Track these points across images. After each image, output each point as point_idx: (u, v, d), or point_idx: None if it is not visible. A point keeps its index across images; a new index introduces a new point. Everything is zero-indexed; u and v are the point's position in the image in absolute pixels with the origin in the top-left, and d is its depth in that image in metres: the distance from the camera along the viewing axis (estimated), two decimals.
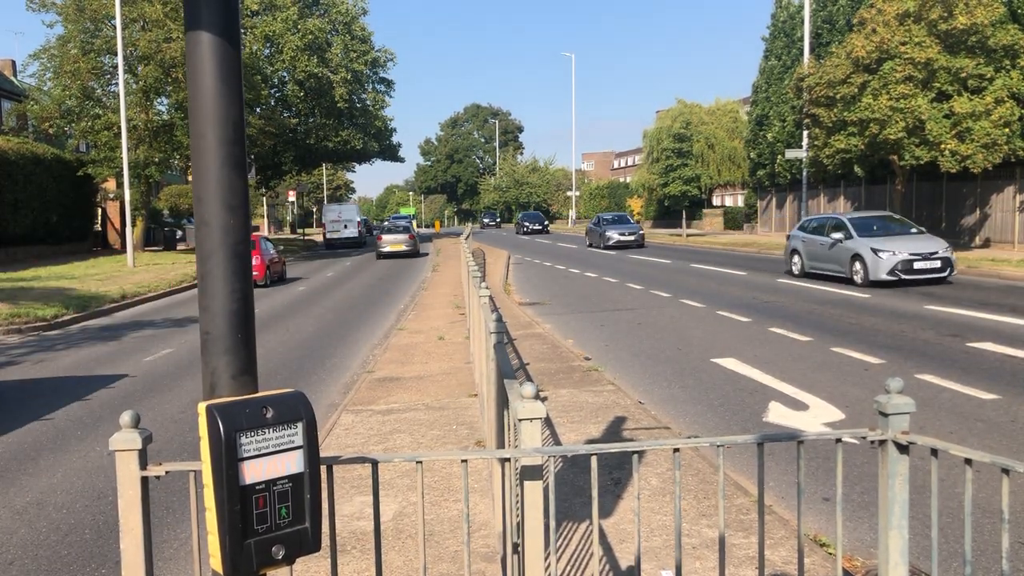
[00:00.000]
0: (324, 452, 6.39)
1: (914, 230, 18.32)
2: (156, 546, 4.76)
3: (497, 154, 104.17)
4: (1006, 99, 22.38)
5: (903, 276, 16.39)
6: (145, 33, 30.94)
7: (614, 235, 34.66)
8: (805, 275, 19.41)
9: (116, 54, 29.21)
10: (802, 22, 33.76)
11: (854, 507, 5.12)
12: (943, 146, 22.72)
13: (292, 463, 1.80)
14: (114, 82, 33.03)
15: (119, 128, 28.92)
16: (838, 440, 2.52)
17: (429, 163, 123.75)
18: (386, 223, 44.32)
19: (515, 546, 2.74)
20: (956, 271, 17.25)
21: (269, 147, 41.78)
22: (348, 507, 5.20)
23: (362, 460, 2.38)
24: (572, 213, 73.44)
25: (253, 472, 1.73)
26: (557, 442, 6.49)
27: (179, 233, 41.05)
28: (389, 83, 52.30)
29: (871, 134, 23.59)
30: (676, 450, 2.50)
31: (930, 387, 8.07)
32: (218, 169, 1.76)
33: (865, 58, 23.55)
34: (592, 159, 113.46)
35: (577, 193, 76.31)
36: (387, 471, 5.81)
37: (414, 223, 50.09)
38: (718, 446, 2.48)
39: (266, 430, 1.75)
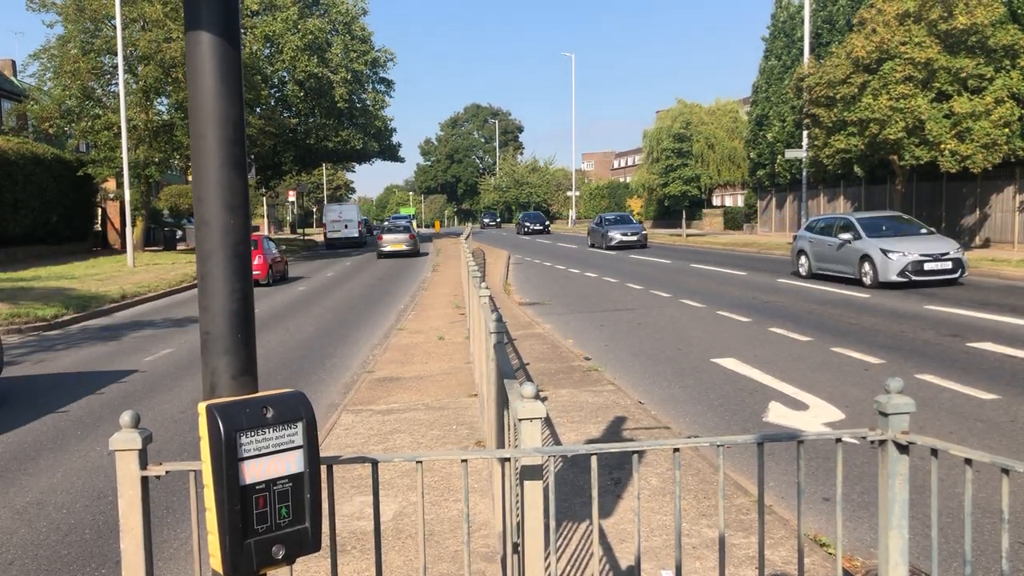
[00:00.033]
0: (324, 452, 6.40)
1: (924, 230, 18.02)
2: (156, 546, 4.76)
3: (497, 154, 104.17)
4: (1006, 99, 22.39)
5: (913, 277, 16.09)
6: (145, 33, 30.95)
7: (616, 235, 34.36)
8: (812, 276, 19.08)
9: (116, 54, 29.22)
10: (802, 22, 33.77)
11: (854, 507, 5.12)
12: (943, 146, 22.73)
13: (292, 463, 1.80)
14: (114, 82, 33.04)
15: (119, 128, 28.92)
16: (838, 440, 2.52)
17: (429, 163, 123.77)
18: (386, 223, 44.37)
19: (515, 546, 2.74)
20: (967, 272, 16.93)
21: (269, 147, 41.79)
22: (348, 507, 5.20)
23: (362, 460, 2.39)
24: (572, 213, 73.46)
25: (253, 472, 1.73)
26: (557, 442, 6.49)
27: (179, 233, 41.05)
28: (389, 83, 52.34)
29: (871, 134, 23.60)
30: (676, 450, 2.50)
31: (930, 387, 8.07)
32: (218, 169, 1.77)
33: (865, 58, 23.56)
34: (592, 159, 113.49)
35: (577, 193, 76.33)
36: (387, 471, 5.81)
37: (414, 223, 50.12)
38: (718, 446, 2.48)
39: (266, 430, 1.76)
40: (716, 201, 61.14)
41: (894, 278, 16.18)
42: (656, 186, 55.55)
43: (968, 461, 2.23)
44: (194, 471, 2.19)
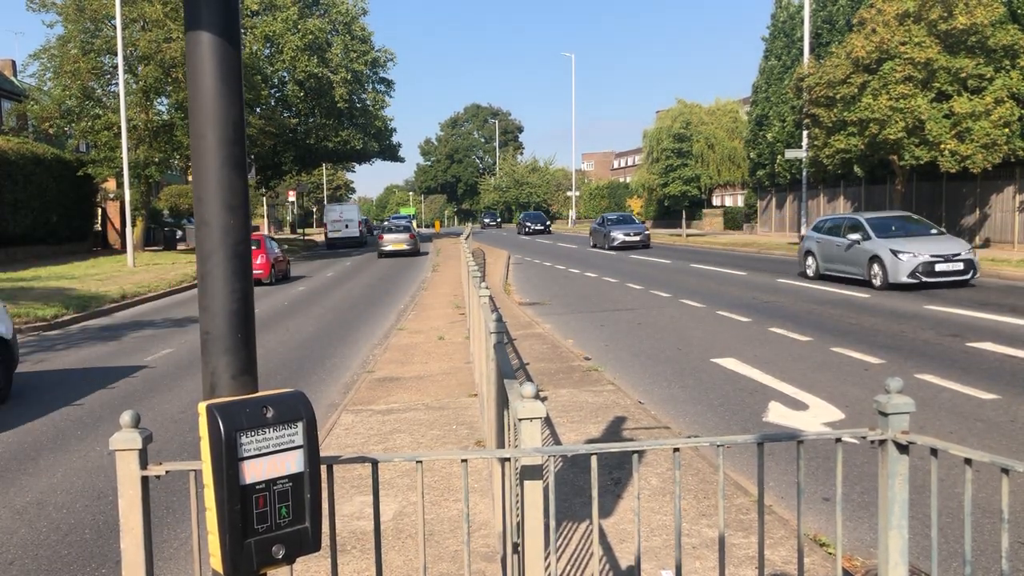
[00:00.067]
0: (324, 452, 6.39)
1: (934, 231, 17.70)
2: (156, 546, 4.76)
3: (497, 154, 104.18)
4: (1006, 99, 22.40)
5: (924, 279, 15.80)
6: (145, 33, 30.95)
7: (619, 235, 34.09)
8: (820, 277, 18.72)
9: (116, 54, 29.22)
10: (802, 22, 33.76)
11: (854, 507, 5.12)
12: (943, 146, 22.74)
13: (292, 463, 1.80)
14: (114, 82, 33.04)
15: (119, 128, 28.93)
16: (838, 440, 2.52)
17: (429, 163, 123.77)
18: (386, 223, 44.44)
19: (515, 546, 2.74)
20: (979, 273, 16.65)
21: (269, 147, 41.79)
22: (348, 507, 5.20)
23: (362, 460, 2.39)
24: (572, 213, 73.48)
25: (253, 472, 1.73)
26: (557, 442, 6.49)
27: (179, 233, 41.07)
28: (389, 83, 52.34)
29: (871, 134, 23.61)
30: (676, 450, 2.50)
31: (930, 387, 8.07)
32: (218, 169, 1.77)
33: (865, 58, 23.56)
34: (592, 159, 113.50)
35: (577, 193, 76.33)
36: (387, 471, 5.81)
37: (414, 223, 50.18)
38: (718, 446, 2.48)
39: (266, 430, 1.76)
40: (716, 201, 61.15)
41: (904, 279, 15.89)
42: (656, 186, 55.55)
43: (968, 461, 2.23)
44: (194, 471, 2.19)
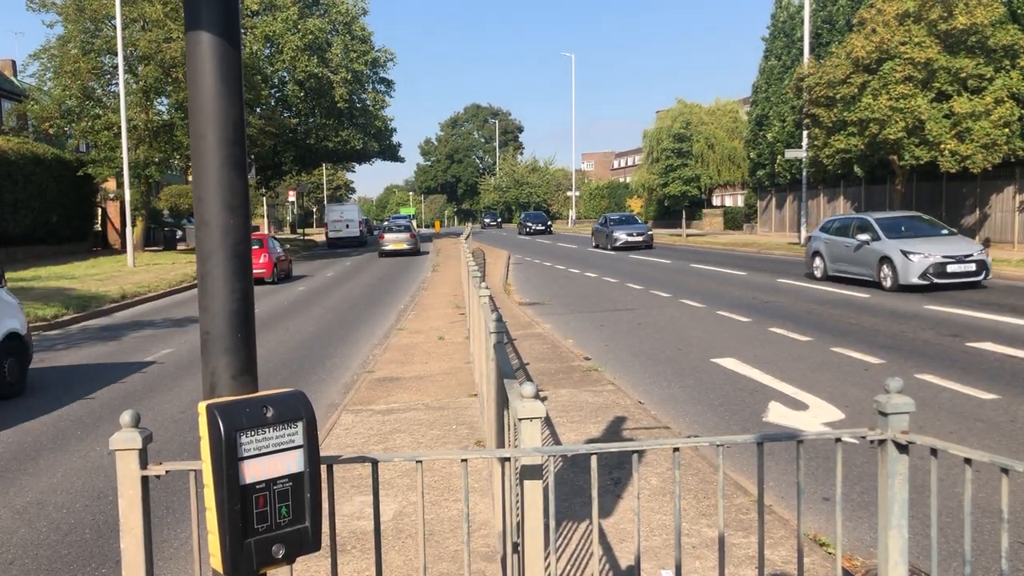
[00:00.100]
0: (324, 452, 6.38)
1: (945, 231, 17.39)
2: (156, 545, 4.76)
3: (497, 154, 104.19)
4: (1006, 99, 22.40)
5: (936, 280, 15.50)
6: (145, 33, 30.95)
7: (622, 236, 33.73)
8: (828, 278, 18.40)
9: (116, 54, 29.22)
10: (802, 22, 33.76)
11: (854, 507, 5.12)
12: (943, 146, 22.74)
13: (292, 462, 1.80)
14: (114, 82, 33.05)
15: (119, 128, 28.93)
16: (838, 440, 2.52)
17: (429, 163, 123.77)
18: (386, 223, 44.51)
19: (515, 546, 2.74)
20: (992, 274, 16.34)
21: (269, 147, 41.79)
22: (348, 507, 5.20)
23: (362, 460, 2.39)
24: (572, 213, 73.48)
25: (253, 471, 1.73)
26: (557, 442, 6.49)
27: (179, 233, 41.08)
28: (389, 83, 52.33)
29: (871, 134, 23.61)
30: (676, 449, 2.50)
31: (930, 387, 8.07)
32: (218, 169, 1.77)
33: (865, 58, 23.57)
34: (592, 159, 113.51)
35: (577, 193, 76.34)
36: (387, 471, 5.81)
37: (414, 223, 50.23)
38: (718, 446, 2.48)
39: (266, 429, 1.76)
40: (716, 201, 61.16)
41: (915, 281, 15.60)
42: (656, 186, 55.56)
43: (968, 461, 2.24)
44: (194, 471, 2.19)
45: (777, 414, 7.39)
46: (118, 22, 27.47)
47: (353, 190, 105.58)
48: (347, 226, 46.24)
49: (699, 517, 4.84)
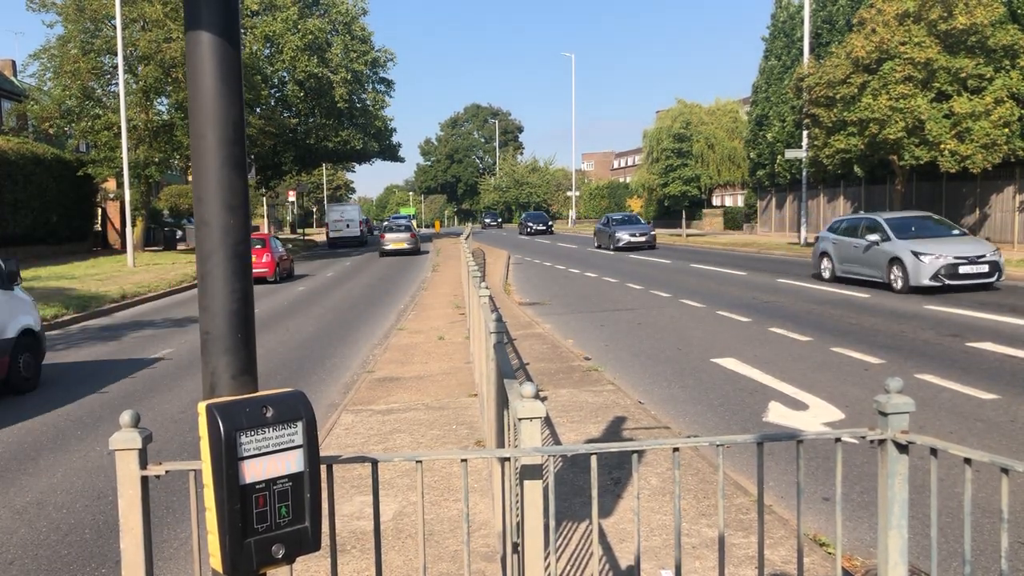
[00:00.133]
0: (324, 452, 6.37)
1: (956, 231, 17.05)
2: (156, 545, 4.76)
3: (497, 154, 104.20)
4: (1006, 99, 22.41)
5: (948, 281, 15.17)
6: (145, 33, 30.95)
7: (625, 236, 33.34)
8: (836, 280, 18.08)
9: (116, 54, 29.23)
10: (802, 22, 33.77)
11: (854, 507, 5.12)
12: (943, 146, 22.74)
13: (292, 462, 1.80)
14: (114, 82, 33.05)
15: (119, 128, 28.94)
16: (837, 440, 2.52)
17: (429, 163, 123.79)
18: (386, 223, 44.58)
19: (515, 545, 2.74)
20: (1005, 276, 15.96)
21: (269, 147, 41.79)
22: (348, 507, 5.20)
23: (362, 459, 2.39)
24: (572, 213, 73.48)
25: (253, 471, 1.73)
26: (557, 442, 6.49)
27: (179, 233, 41.08)
28: (389, 83, 52.31)
29: (871, 134, 23.61)
30: (676, 449, 2.50)
31: (930, 387, 8.07)
32: (218, 169, 1.77)
33: (865, 58, 23.57)
34: (592, 159, 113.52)
35: (577, 193, 76.34)
36: (387, 471, 5.81)
37: (414, 223, 50.28)
38: (718, 446, 2.48)
39: (266, 429, 1.76)
40: (716, 201, 61.17)
41: (927, 282, 15.26)
42: (656, 186, 55.57)
43: (967, 461, 2.24)
44: (194, 471, 2.19)
45: (777, 414, 7.39)
46: (118, 22, 27.47)
47: (353, 190, 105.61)
48: (347, 226, 46.41)
49: (699, 517, 4.84)
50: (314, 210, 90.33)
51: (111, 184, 36.04)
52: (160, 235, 40.18)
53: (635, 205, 64.87)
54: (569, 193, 76.17)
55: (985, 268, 15.40)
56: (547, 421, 7.01)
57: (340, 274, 27.43)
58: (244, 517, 1.72)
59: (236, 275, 1.79)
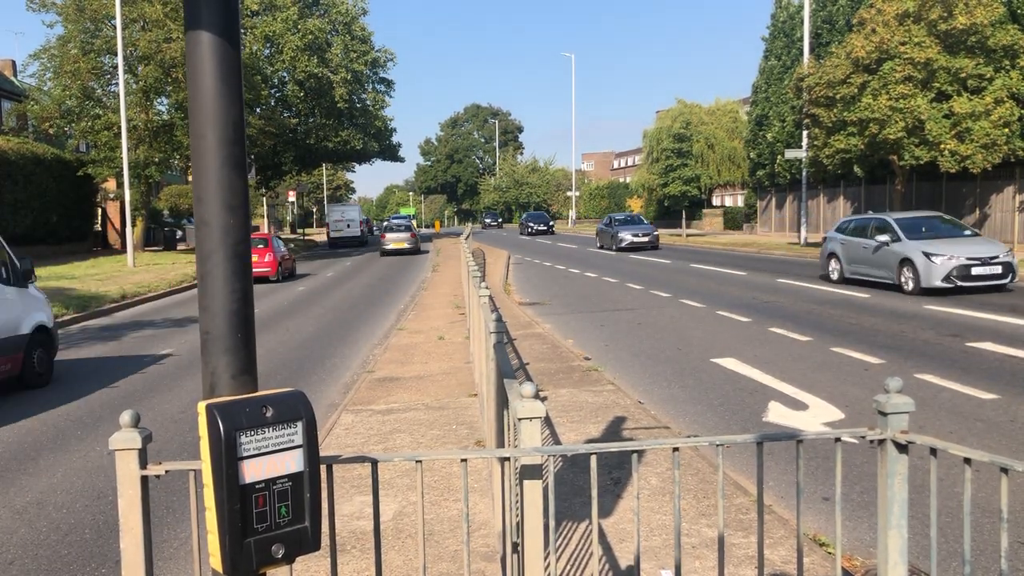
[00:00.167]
0: (324, 451, 6.36)
1: (968, 232, 16.78)
2: (156, 545, 4.76)
3: (497, 154, 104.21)
4: (1006, 99, 22.42)
5: (960, 283, 14.89)
6: (145, 33, 30.96)
7: (627, 236, 32.99)
8: (845, 281, 17.73)
9: (116, 54, 29.23)
10: (802, 22, 33.78)
11: (853, 507, 5.12)
12: (943, 146, 22.75)
13: (292, 462, 1.80)
14: (114, 82, 33.05)
15: (119, 128, 28.94)
16: (837, 439, 2.52)
17: (429, 163, 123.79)
18: (385, 223, 44.65)
19: (515, 545, 2.74)
20: (1018, 277, 15.69)
21: (269, 147, 41.79)
22: (348, 506, 5.21)
23: (362, 459, 2.39)
24: (572, 213, 73.48)
25: (253, 471, 1.73)
26: (557, 442, 6.49)
27: (179, 233, 41.09)
28: (389, 83, 52.31)
29: (871, 134, 23.62)
30: (675, 449, 2.50)
31: (930, 387, 8.08)
32: (218, 169, 1.77)
33: (865, 58, 23.58)
34: (592, 159, 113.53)
35: (577, 193, 76.34)
36: (387, 471, 5.81)
37: (414, 223, 50.33)
38: (717, 445, 2.48)
39: (266, 429, 1.76)
40: (716, 201, 61.18)
41: (938, 284, 14.96)
42: (656, 186, 55.58)
43: (967, 460, 2.24)
44: (194, 470, 2.19)
45: (777, 414, 7.40)
46: (118, 22, 27.48)
47: (353, 190, 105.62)
48: (348, 226, 46.55)
49: (699, 517, 4.84)
50: (314, 210, 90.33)
51: (111, 184, 36.03)
52: (160, 235, 40.18)
53: (635, 205, 64.89)
54: (569, 193, 76.16)
55: (998, 269, 15.14)
56: (547, 421, 7.01)
57: (340, 274, 27.44)
58: (244, 517, 1.72)
59: (236, 275, 1.79)
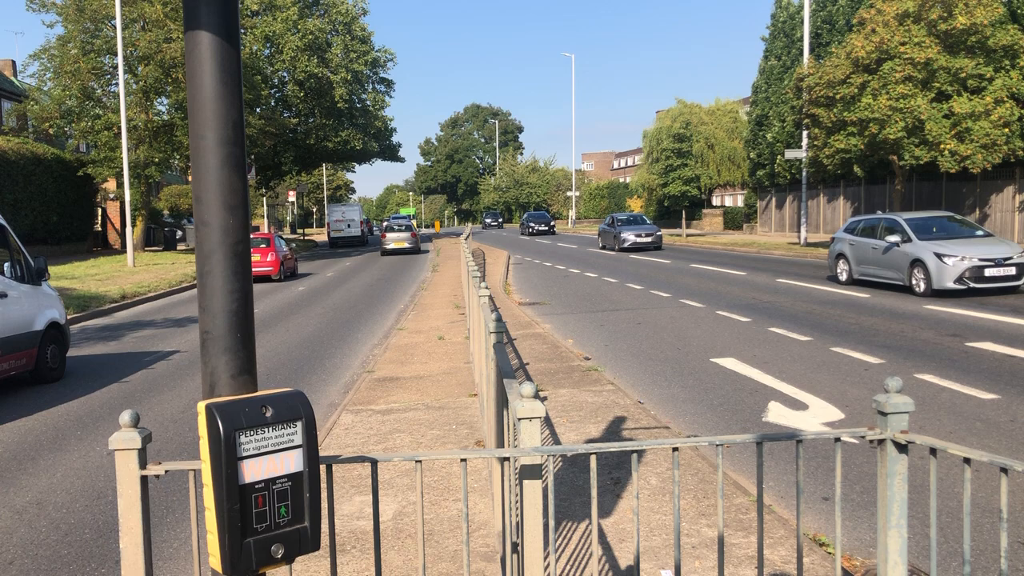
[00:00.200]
0: (324, 451, 6.37)
1: (980, 232, 16.44)
2: (156, 545, 4.76)
3: (497, 154, 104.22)
4: (1005, 99, 22.42)
5: (972, 284, 14.61)
6: (145, 33, 30.97)
7: (630, 237, 32.70)
8: (854, 282, 17.49)
9: (116, 54, 29.24)
10: (802, 22, 33.78)
11: (853, 506, 5.12)
12: (942, 146, 22.75)
13: (291, 462, 1.80)
14: (114, 82, 33.07)
15: (119, 128, 28.96)
16: (837, 439, 2.52)
17: (429, 163, 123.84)
18: (386, 223, 44.68)
19: (515, 545, 2.75)
20: None
21: (269, 147, 41.77)
22: (348, 506, 5.21)
23: (361, 459, 2.39)
24: (572, 213, 73.47)
25: (252, 471, 1.73)
26: (556, 441, 6.49)
27: (179, 233, 41.10)
28: (389, 83, 52.29)
29: (871, 134, 23.62)
30: (675, 449, 2.50)
31: (929, 387, 8.08)
32: (218, 169, 1.77)
33: (865, 58, 23.58)
34: (592, 159, 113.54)
35: (577, 193, 76.35)
36: (387, 470, 5.81)
37: (414, 223, 50.37)
38: (717, 445, 2.48)
39: (266, 429, 1.76)
40: (716, 201, 61.21)
41: (950, 285, 14.68)
42: (656, 186, 55.60)
43: (967, 460, 2.24)
44: (193, 470, 2.19)
45: (777, 414, 7.40)
46: (118, 22, 27.48)
47: (353, 190, 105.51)
48: (348, 226, 46.67)
49: (699, 517, 4.84)
50: (314, 210, 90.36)
51: (111, 184, 36.06)
52: (160, 235, 40.20)
53: (635, 205, 64.92)
54: (569, 193, 76.16)
55: (1012, 271, 14.83)
56: (547, 421, 7.01)
57: (340, 274, 27.44)
58: (244, 517, 1.72)
59: (236, 275, 1.79)
